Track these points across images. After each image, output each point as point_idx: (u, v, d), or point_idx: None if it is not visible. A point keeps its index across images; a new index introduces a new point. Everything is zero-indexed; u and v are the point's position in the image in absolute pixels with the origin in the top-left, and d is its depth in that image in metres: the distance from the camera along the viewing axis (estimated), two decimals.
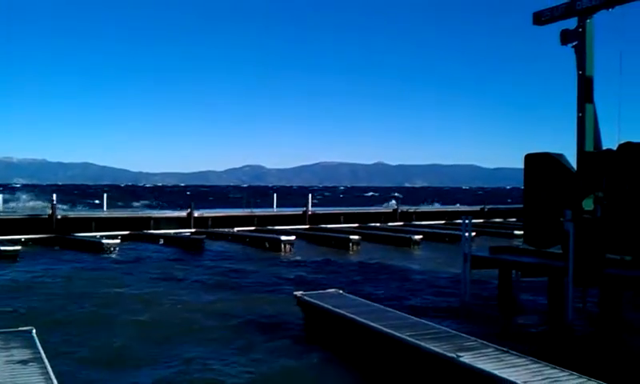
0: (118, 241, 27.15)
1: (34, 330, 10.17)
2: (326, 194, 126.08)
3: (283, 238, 29.08)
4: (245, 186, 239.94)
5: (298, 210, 42.47)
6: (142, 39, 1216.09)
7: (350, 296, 13.48)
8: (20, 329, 10.39)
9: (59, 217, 34.30)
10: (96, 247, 27.20)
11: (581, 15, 16.04)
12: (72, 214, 36.57)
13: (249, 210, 42.75)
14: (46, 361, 8.72)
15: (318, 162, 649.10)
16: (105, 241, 27.31)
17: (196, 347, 11.91)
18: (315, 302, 12.74)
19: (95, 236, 33.51)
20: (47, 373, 8.27)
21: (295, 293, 13.59)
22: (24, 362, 8.68)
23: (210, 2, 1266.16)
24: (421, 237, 33.80)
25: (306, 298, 13.08)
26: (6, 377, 8.09)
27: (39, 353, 9.12)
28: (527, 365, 8.87)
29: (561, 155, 16.20)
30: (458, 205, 60.65)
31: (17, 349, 9.30)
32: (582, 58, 16.14)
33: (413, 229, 38.56)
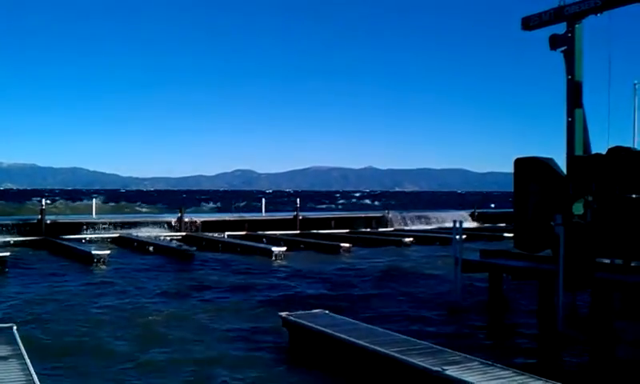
0: (108, 252, 26.48)
1: (15, 327, 10.06)
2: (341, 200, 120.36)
3: (274, 249, 28.81)
4: (236, 190, 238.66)
5: (289, 215, 42.44)
6: (132, 44, 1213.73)
7: (336, 315, 13.43)
8: (0, 325, 10.26)
9: (48, 221, 34.17)
10: (85, 258, 26.43)
11: (569, 20, 16.13)
12: (61, 219, 36.39)
13: (238, 215, 42.72)
14: (26, 357, 8.67)
15: (309, 166, 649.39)
16: (94, 252, 26.34)
17: None
18: (301, 322, 12.68)
19: (85, 238, 33.43)
20: (27, 368, 8.22)
21: (281, 314, 13.42)
22: (4, 359, 8.60)
23: (197, 5, 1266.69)
24: (411, 239, 33.86)
25: (291, 318, 13.01)
26: None
27: (19, 349, 9.05)
28: (512, 376, 8.92)
29: (550, 159, 16.25)
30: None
31: None
32: (571, 63, 16.22)
33: (404, 233, 38.64)
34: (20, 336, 9.95)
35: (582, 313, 15.06)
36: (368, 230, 42.36)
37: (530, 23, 17.29)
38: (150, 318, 15.29)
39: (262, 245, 31.66)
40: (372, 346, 10.67)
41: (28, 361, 8.49)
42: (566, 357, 12.53)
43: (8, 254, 24.63)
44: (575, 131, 16.20)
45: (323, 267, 25.34)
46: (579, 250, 14.22)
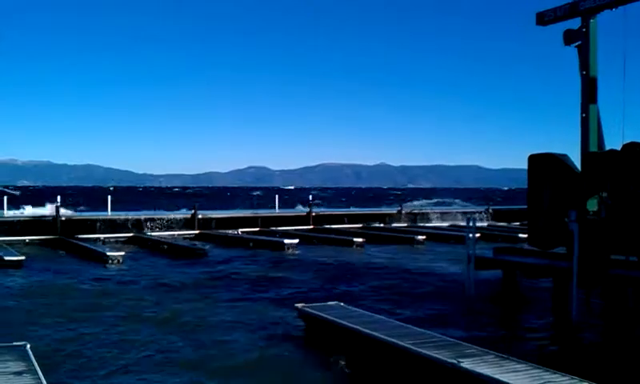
0: (122, 253, 26.51)
1: (28, 345, 10.28)
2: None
3: (286, 241, 28.98)
4: (252, 187, 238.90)
5: (302, 211, 42.53)
6: (145, 40, 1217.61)
7: (351, 307, 13.48)
8: (14, 344, 10.50)
9: (63, 219, 34.45)
10: (100, 259, 26.40)
11: (584, 15, 16.04)
12: (76, 216, 36.68)
13: (252, 211, 42.87)
14: (39, 372, 8.89)
15: (321, 163, 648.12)
16: (110, 253, 26.41)
17: None
18: (317, 313, 12.77)
19: (99, 238, 33.62)
20: (41, 382, 8.46)
21: (296, 305, 13.50)
22: (18, 373, 8.81)
23: (210, 2, 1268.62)
24: (424, 237, 33.80)
25: (307, 309, 13.10)
26: None
27: (33, 365, 9.27)
28: (527, 370, 8.93)
29: (565, 156, 16.17)
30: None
31: (11, 362, 9.43)
32: (586, 59, 16.14)
33: (417, 229, 38.55)
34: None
35: (596, 309, 14.99)
36: (381, 225, 42.34)
37: (544, 18, 17.22)
38: (164, 314, 15.45)
39: (274, 238, 31.87)
40: (388, 338, 10.70)
41: (42, 376, 8.75)
42: (580, 351, 12.47)
43: (23, 258, 24.43)
44: (590, 127, 16.11)
45: (335, 261, 25.42)
46: (594, 246, 14.16)
